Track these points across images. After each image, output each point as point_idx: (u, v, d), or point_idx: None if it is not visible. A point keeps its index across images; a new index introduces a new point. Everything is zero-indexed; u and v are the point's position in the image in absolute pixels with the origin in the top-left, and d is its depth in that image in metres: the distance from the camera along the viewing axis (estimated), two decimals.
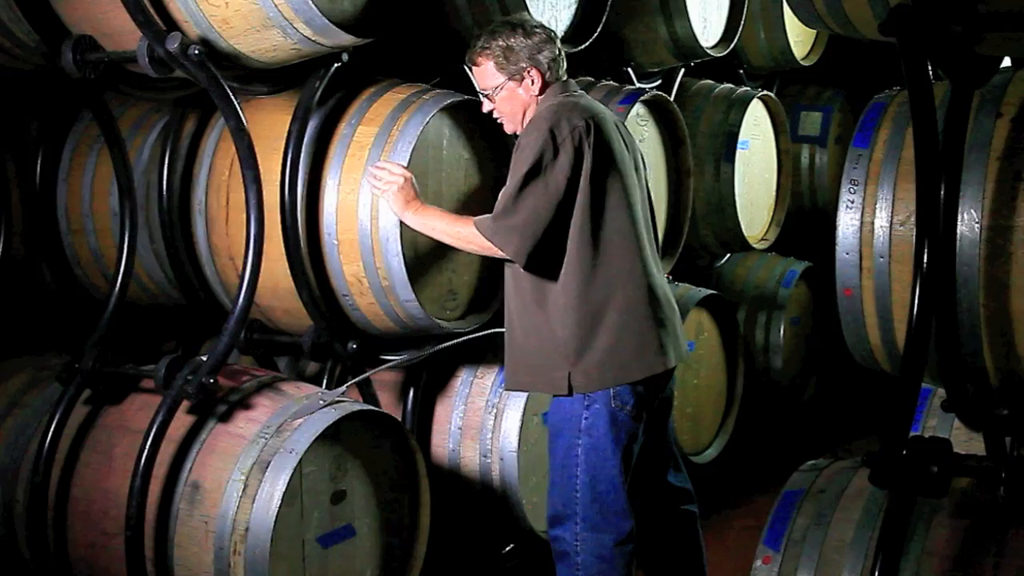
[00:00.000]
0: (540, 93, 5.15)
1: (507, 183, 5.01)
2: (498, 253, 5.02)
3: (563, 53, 5.24)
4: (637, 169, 5.29)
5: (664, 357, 5.16)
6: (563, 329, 5.05)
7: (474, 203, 5.91)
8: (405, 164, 5.39)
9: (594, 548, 5.14)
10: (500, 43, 5.10)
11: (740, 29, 8.19)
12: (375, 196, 5.44)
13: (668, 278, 7.62)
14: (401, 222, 5.37)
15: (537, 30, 5.13)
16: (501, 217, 4.96)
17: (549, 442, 5.27)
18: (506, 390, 5.56)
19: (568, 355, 5.05)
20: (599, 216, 5.00)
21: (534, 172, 4.90)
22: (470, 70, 5.32)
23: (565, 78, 5.23)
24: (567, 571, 5.22)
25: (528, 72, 5.11)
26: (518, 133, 5.22)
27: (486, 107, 5.30)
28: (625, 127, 5.38)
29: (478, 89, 5.29)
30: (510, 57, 5.09)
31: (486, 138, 5.92)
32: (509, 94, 5.16)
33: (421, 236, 5.50)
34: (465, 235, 5.08)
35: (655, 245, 5.34)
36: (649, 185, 5.43)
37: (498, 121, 5.31)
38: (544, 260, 5.00)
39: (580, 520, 5.14)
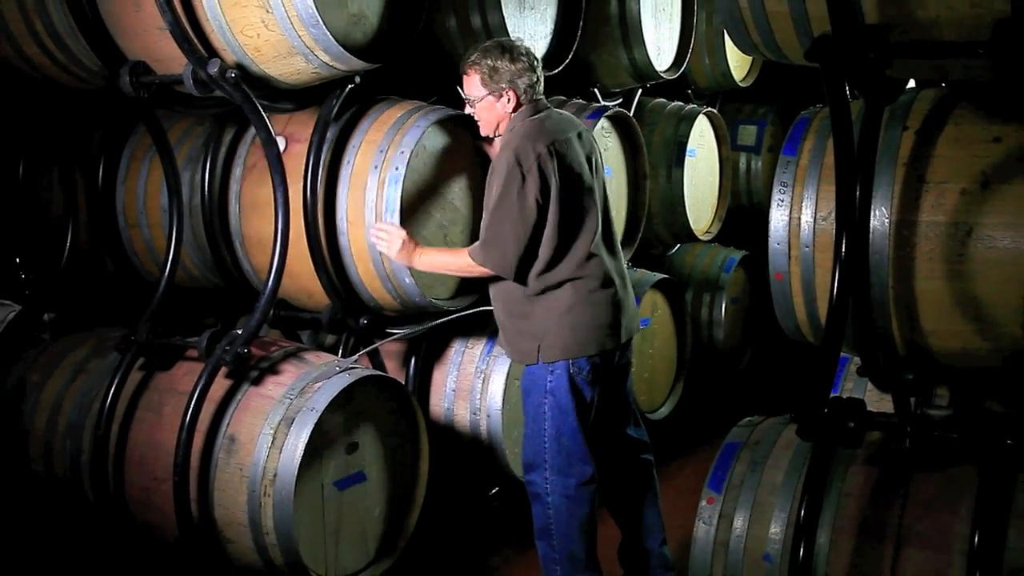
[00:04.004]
0: (514, 111, 5.15)
1: (485, 211, 5.08)
2: (491, 273, 5.09)
3: (541, 78, 5.22)
4: (597, 171, 5.29)
5: (616, 336, 5.22)
6: (533, 313, 5.13)
7: (466, 191, 5.95)
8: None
9: (561, 489, 5.17)
10: (488, 62, 5.09)
11: (688, 56, 8.17)
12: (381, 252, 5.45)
13: (628, 264, 7.63)
14: (404, 211, 5.42)
15: (523, 57, 5.11)
16: (488, 244, 5.03)
17: (522, 402, 5.33)
18: (500, 350, 5.57)
19: (536, 333, 5.12)
20: (564, 223, 5.03)
21: (508, 200, 4.94)
22: (461, 78, 5.27)
23: (539, 99, 5.22)
24: (540, 509, 5.25)
25: (506, 92, 5.10)
26: (489, 136, 5.33)
27: (467, 110, 5.31)
28: (588, 132, 5.37)
29: (463, 94, 5.28)
30: (494, 76, 5.08)
31: (475, 140, 5.88)
32: (488, 106, 5.16)
33: (418, 231, 5.54)
34: (463, 265, 5.17)
35: (612, 234, 5.35)
36: (607, 183, 5.42)
37: (476, 122, 5.31)
38: (523, 271, 5.05)
39: (548, 466, 5.18)
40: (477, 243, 5.09)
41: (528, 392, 5.25)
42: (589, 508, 5.24)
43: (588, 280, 5.09)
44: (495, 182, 5.01)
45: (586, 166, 5.19)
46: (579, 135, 5.25)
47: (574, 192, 5.06)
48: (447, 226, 5.79)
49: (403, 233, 5.24)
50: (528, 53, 5.16)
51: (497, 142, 5.33)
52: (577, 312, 5.08)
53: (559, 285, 5.07)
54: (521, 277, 5.06)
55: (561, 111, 5.33)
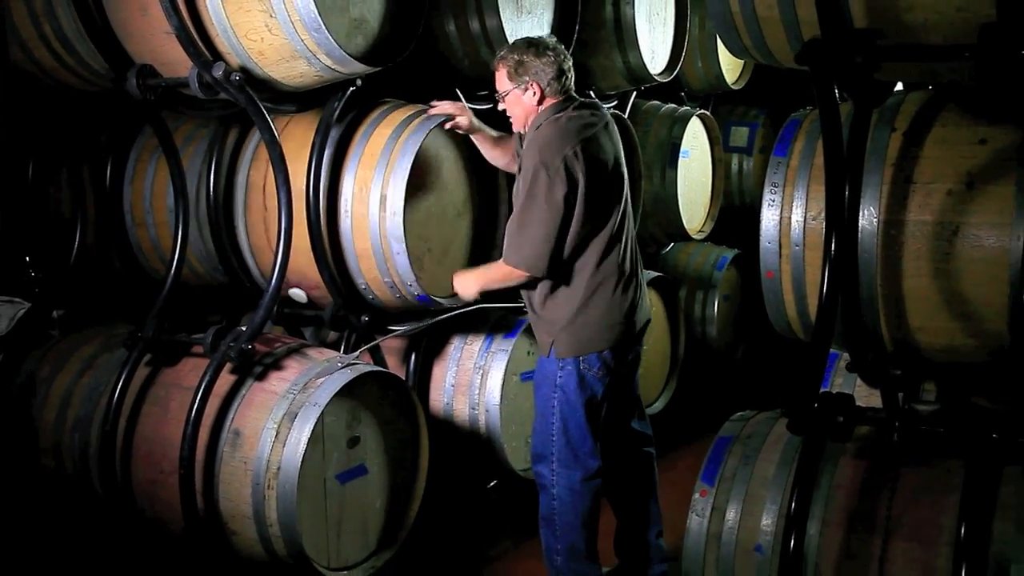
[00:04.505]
0: (540, 103, 5.14)
1: (515, 213, 5.07)
2: (528, 277, 5.08)
3: (570, 73, 5.21)
4: (620, 164, 5.27)
5: (629, 331, 5.24)
6: (550, 308, 5.14)
7: (464, 192, 5.97)
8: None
9: (566, 482, 5.19)
10: (515, 57, 5.12)
11: (681, 59, 8.16)
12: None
13: None
14: (405, 212, 5.42)
15: (548, 52, 5.12)
16: (520, 248, 5.04)
17: (534, 396, 5.33)
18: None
19: (551, 328, 5.14)
20: (590, 224, 5.04)
21: (536, 203, 4.94)
22: (494, 74, 5.29)
23: (567, 94, 5.20)
24: (546, 501, 5.28)
25: (530, 85, 5.10)
26: (520, 132, 5.28)
27: (500, 107, 5.31)
28: (612, 124, 5.35)
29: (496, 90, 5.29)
30: (519, 70, 5.10)
31: (473, 145, 5.87)
32: (515, 99, 5.17)
33: (419, 229, 5.59)
34: (504, 273, 5.16)
35: (632, 230, 5.35)
36: (627, 177, 5.41)
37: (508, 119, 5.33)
38: (554, 267, 5.07)
39: (555, 460, 5.20)
40: (508, 249, 5.09)
41: (539, 386, 5.27)
42: (592, 502, 5.25)
43: (605, 277, 5.11)
44: (522, 186, 5.02)
45: (612, 160, 5.18)
46: (606, 126, 5.24)
47: (600, 190, 5.05)
48: (450, 226, 5.79)
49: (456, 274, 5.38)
50: (556, 48, 5.16)
51: (498, 155, 5.37)
52: (591, 308, 5.09)
53: (578, 282, 5.09)
54: (553, 273, 5.07)
55: (588, 103, 5.30)
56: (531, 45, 5.14)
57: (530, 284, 5.15)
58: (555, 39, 5.23)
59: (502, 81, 5.20)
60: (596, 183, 5.02)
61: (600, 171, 5.06)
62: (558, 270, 5.07)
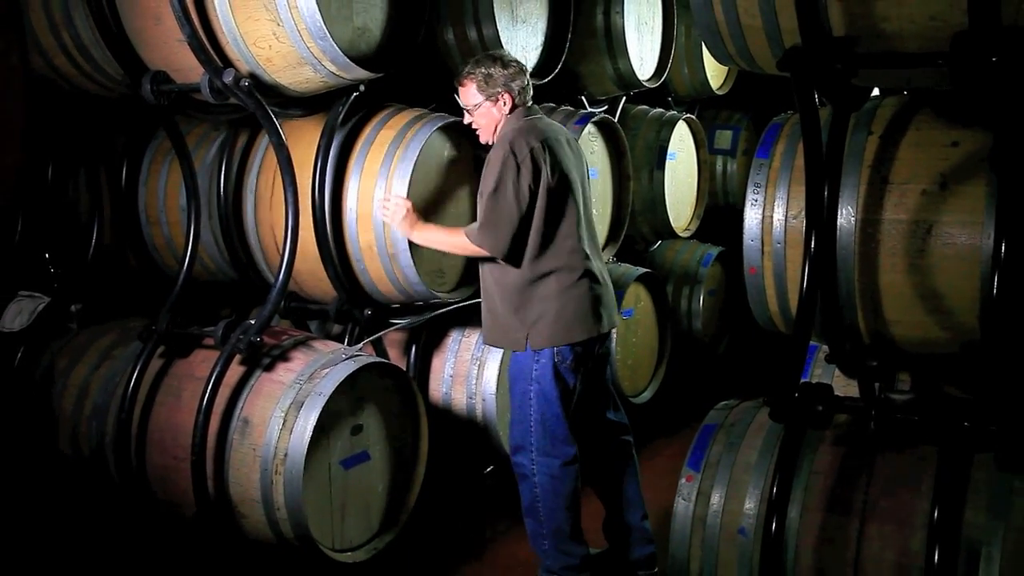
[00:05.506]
0: (510, 113, 5.16)
1: (481, 196, 5.06)
2: (484, 253, 5.07)
3: (530, 83, 5.25)
4: (582, 177, 5.31)
5: (599, 324, 5.21)
6: (523, 302, 5.11)
7: (464, 194, 5.95)
8: (405, 195, 5.41)
9: (547, 469, 5.18)
10: (482, 70, 5.13)
11: (669, 66, 8.18)
12: (386, 223, 5.48)
13: (613, 259, 7.66)
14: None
15: (512, 63, 5.18)
16: (484, 227, 5.03)
17: (509, 389, 5.32)
18: (484, 344, 5.59)
19: (525, 321, 5.11)
20: (552, 217, 5.04)
21: (503, 187, 4.95)
22: (456, 90, 5.29)
23: (530, 103, 5.24)
24: (527, 489, 5.26)
25: (502, 95, 5.12)
26: (489, 143, 5.25)
27: (466, 120, 5.31)
28: (575, 142, 5.40)
29: (461, 105, 5.28)
30: (489, 82, 5.12)
31: (472, 147, 5.87)
32: (485, 111, 5.18)
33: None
34: (458, 243, 5.17)
35: (595, 236, 5.36)
36: (591, 189, 5.44)
37: (474, 131, 5.31)
38: (514, 253, 5.03)
39: (535, 449, 5.18)
40: (474, 225, 5.09)
41: (515, 380, 5.25)
42: (573, 486, 5.23)
43: (572, 272, 5.10)
44: (490, 172, 5.01)
45: (573, 169, 5.19)
46: (568, 141, 5.26)
47: (562, 186, 5.07)
48: (451, 221, 5.77)
49: (408, 204, 5.29)
50: (516, 61, 5.23)
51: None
52: (563, 301, 5.07)
53: (547, 275, 5.07)
54: (513, 259, 5.06)
55: (551, 120, 5.33)
56: (495, 59, 5.19)
57: (504, 281, 5.15)
58: (509, 53, 5.26)
59: (471, 95, 5.21)
60: (558, 180, 5.05)
61: (563, 171, 5.09)
62: (524, 264, 5.07)
